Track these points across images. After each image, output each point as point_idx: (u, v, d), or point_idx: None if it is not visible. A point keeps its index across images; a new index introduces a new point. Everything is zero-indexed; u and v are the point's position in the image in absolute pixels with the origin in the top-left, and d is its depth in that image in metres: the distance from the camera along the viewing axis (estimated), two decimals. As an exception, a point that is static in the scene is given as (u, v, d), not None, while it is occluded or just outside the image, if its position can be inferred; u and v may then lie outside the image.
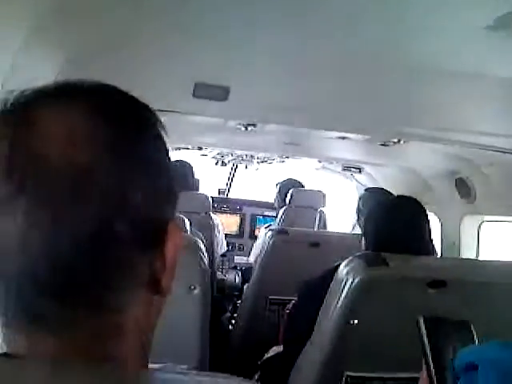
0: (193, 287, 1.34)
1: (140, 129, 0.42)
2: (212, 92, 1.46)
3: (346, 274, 1.42)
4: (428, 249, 1.62)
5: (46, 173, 0.35)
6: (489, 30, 1.00)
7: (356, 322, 1.42)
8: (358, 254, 1.47)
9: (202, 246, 1.42)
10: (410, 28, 1.08)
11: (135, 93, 1.34)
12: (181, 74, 1.42)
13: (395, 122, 1.73)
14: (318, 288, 1.64)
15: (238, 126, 1.97)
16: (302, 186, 3.78)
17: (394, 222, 1.61)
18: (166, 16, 1.15)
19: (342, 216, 4.21)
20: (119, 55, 1.34)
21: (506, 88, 1.37)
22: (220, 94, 1.47)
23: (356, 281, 1.38)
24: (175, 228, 0.43)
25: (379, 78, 1.43)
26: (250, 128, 1.96)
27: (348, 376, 1.48)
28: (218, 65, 1.39)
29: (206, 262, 1.41)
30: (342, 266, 1.47)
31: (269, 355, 2.15)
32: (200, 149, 3.25)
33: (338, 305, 1.42)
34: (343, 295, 1.41)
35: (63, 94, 0.40)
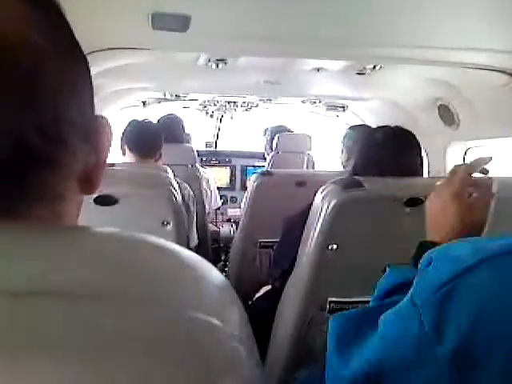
0: (165, 223, 1.31)
1: (69, 29, 0.41)
2: (171, 22, 1.39)
3: (322, 199, 1.40)
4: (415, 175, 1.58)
5: (3, 44, 0.33)
6: None
7: (335, 247, 1.41)
8: (333, 180, 1.44)
9: (173, 181, 1.39)
10: None
11: (87, 31, 1.26)
12: (136, 4, 1.35)
13: (369, 43, 1.65)
14: (298, 221, 1.62)
15: (209, 63, 1.90)
16: (290, 131, 3.74)
17: (382, 150, 1.55)
18: None
19: (332, 158, 4.18)
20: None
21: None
22: (180, 23, 1.40)
23: (331, 204, 1.36)
24: (104, 124, 0.44)
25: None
26: (220, 65, 1.89)
27: (331, 302, 1.48)
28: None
29: (179, 198, 1.38)
30: (318, 193, 1.45)
31: (259, 295, 2.16)
32: (178, 97, 3.17)
33: (316, 231, 1.41)
34: (320, 221, 1.39)
35: None
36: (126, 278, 0.25)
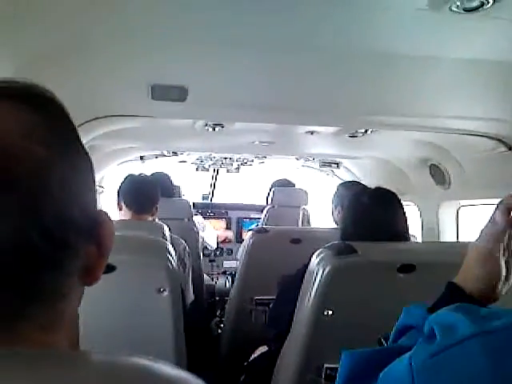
0: (162, 289, 1.33)
1: (74, 130, 0.44)
2: (170, 93, 1.46)
3: (317, 264, 1.42)
4: (403, 236, 1.62)
5: (6, 162, 0.35)
6: (434, 10, 1.00)
7: (330, 312, 1.42)
8: (327, 244, 1.47)
9: (170, 248, 1.41)
10: (364, 14, 1.08)
11: (90, 100, 1.32)
12: (136, 77, 1.41)
13: (361, 112, 1.73)
14: (294, 282, 1.64)
15: (206, 127, 1.96)
16: (293, 186, 3.80)
17: (370, 212, 1.61)
18: (116, 19, 1.14)
19: (328, 212, 4.21)
20: (73, 63, 1.33)
21: (466, 70, 1.38)
22: (178, 94, 1.47)
23: (326, 270, 1.37)
24: (106, 217, 0.45)
25: (340, 68, 1.43)
26: (217, 128, 1.95)
27: (327, 368, 1.47)
28: (174, 65, 1.39)
29: (175, 265, 1.40)
30: (313, 258, 1.47)
31: (255, 356, 2.13)
32: (175, 154, 3.24)
33: (311, 296, 1.42)
34: (315, 286, 1.40)
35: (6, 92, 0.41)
36: None
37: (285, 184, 3.71)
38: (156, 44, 1.28)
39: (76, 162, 0.42)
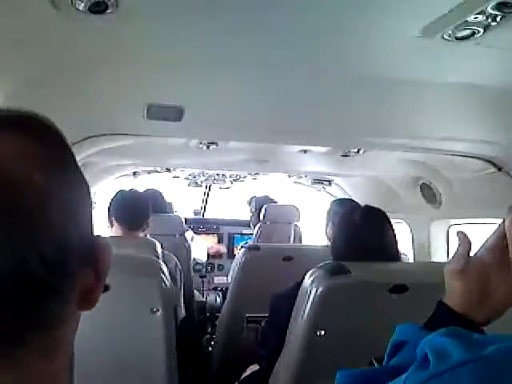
0: (155, 309, 1.32)
1: (71, 155, 0.44)
2: (166, 113, 1.47)
3: (310, 284, 1.42)
4: (394, 255, 1.64)
5: (5, 188, 0.35)
6: (427, 38, 1.03)
7: (323, 332, 1.42)
8: (320, 264, 1.48)
9: (163, 268, 1.41)
10: (358, 40, 1.10)
11: (85, 118, 1.32)
12: (132, 96, 1.42)
13: (353, 133, 1.75)
14: (286, 301, 1.64)
15: (200, 146, 1.97)
16: (275, 202, 3.82)
17: (362, 232, 1.62)
18: (113, 40, 1.15)
19: (318, 229, 4.22)
20: (70, 82, 1.34)
21: (457, 94, 1.41)
22: (174, 114, 1.48)
23: (319, 291, 1.38)
24: (103, 241, 0.45)
25: (334, 92, 1.45)
26: (211, 147, 1.96)
27: (320, 388, 1.47)
28: (170, 85, 1.40)
29: (168, 284, 1.39)
30: (306, 278, 1.48)
31: (246, 374, 2.12)
32: (168, 170, 3.25)
33: (304, 316, 1.42)
34: (308, 306, 1.41)
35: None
36: None
37: (268, 201, 3.73)
38: (152, 64, 1.29)
39: (74, 188, 0.42)
